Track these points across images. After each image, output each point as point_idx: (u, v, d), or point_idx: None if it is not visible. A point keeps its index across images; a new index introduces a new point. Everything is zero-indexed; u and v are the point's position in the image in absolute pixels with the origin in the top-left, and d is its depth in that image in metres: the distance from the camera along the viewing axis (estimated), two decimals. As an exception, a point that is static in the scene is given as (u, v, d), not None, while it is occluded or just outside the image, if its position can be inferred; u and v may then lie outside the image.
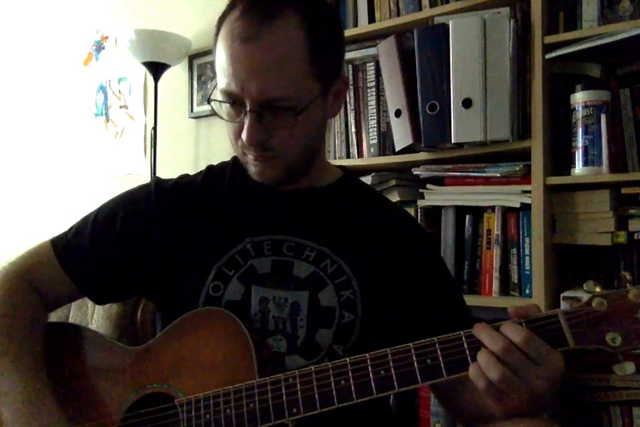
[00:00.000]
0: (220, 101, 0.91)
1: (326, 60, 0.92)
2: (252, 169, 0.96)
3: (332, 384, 0.79)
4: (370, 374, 0.78)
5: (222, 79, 0.89)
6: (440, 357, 0.76)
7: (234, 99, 0.89)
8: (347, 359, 0.80)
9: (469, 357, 0.76)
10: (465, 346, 0.76)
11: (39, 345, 0.97)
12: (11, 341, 0.95)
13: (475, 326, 0.77)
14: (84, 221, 1.06)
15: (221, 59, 0.89)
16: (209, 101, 0.93)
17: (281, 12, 0.87)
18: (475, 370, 0.75)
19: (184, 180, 1.07)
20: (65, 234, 1.06)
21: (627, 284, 0.75)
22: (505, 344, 0.74)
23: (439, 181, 1.83)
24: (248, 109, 0.88)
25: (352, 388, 0.78)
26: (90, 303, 1.77)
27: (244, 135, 0.89)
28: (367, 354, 0.79)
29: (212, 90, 0.93)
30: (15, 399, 0.89)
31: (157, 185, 1.05)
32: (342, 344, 0.95)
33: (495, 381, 0.74)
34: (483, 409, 0.87)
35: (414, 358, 0.77)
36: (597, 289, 0.76)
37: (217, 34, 0.91)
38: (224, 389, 0.84)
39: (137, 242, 1.01)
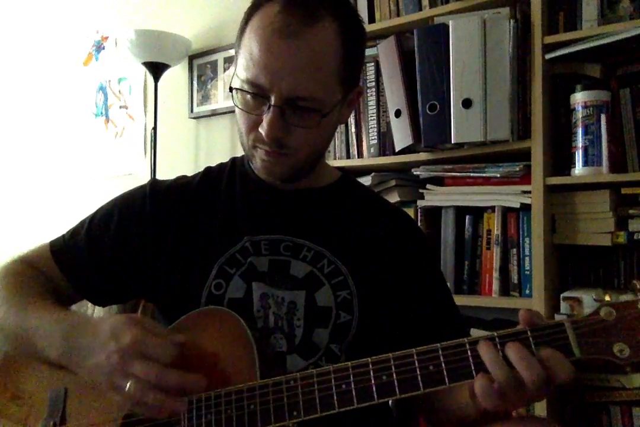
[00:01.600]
0: (242, 90, 0.90)
1: (352, 69, 0.94)
2: (259, 163, 0.95)
3: (333, 388, 0.78)
4: (372, 379, 0.77)
5: (250, 69, 0.87)
6: (443, 364, 0.75)
7: (258, 91, 0.88)
8: (349, 363, 0.79)
9: (472, 365, 0.74)
10: (469, 353, 0.75)
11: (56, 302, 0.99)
12: (30, 296, 0.96)
13: (480, 346, 0.74)
14: (81, 224, 1.06)
15: (252, 49, 0.87)
16: (230, 89, 0.92)
17: (322, 16, 0.87)
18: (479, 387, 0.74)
19: (181, 181, 1.07)
20: (63, 236, 1.06)
21: (637, 293, 0.72)
22: (506, 377, 0.72)
23: (439, 181, 1.83)
24: (273, 103, 0.87)
25: (353, 393, 0.77)
26: (90, 303, 1.76)
27: (263, 129, 0.88)
28: (369, 359, 0.78)
29: (232, 78, 0.92)
30: (47, 329, 0.89)
31: (153, 187, 1.05)
32: (339, 343, 0.95)
33: (488, 406, 0.74)
34: (460, 413, 0.88)
35: (417, 364, 0.76)
36: (607, 298, 0.73)
37: (245, 23, 0.90)
38: (226, 389, 0.84)
39: (133, 244, 1.01)
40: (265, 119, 0.88)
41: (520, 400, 0.73)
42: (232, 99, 0.92)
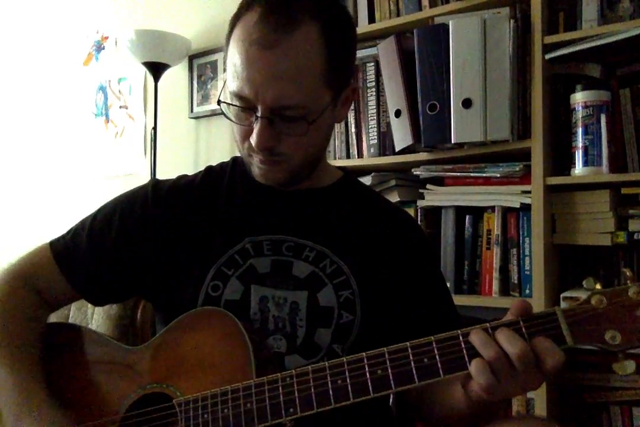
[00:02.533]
0: (230, 104, 0.90)
1: (340, 69, 0.92)
2: (257, 170, 0.96)
3: (329, 383, 0.79)
4: (367, 374, 0.77)
5: (235, 81, 0.88)
6: (437, 357, 0.76)
7: (245, 103, 0.88)
8: (344, 358, 0.80)
9: (466, 357, 0.75)
10: (463, 345, 0.76)
11: (37, 344, 0.98)
12: (7, 339, 0.96)
13: (472, 332, 0.76)
14: (82, 223, 1.06)
15: (235, 61, 0.87)
16: (218, 102, 0.92)
17: (301, 21, 0.86)
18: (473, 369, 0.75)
19: (182, 181, 1.07)
20: (63, 236, 1.06)
21: (628, 281, 0.74)
22: (495, 354, 0.73)
23: (439, 181, 1.83)
24: (260, 114, 0.87)
25: (349, 388, 0.78)
26: (90, 304, 1.76)
27: (253, 140, 0.89)
28: (364, 353, 0.79)
29: (221, 91, 0.92)
30: (8, 396, 0.91)
31: (154, 187, 1.05)
32: (341, 343, 0.95)
33: (482, 387, 0.74)
34: (453, 405, 0.88)
35: (411, 357, 0.77)
36: (597, 287, 0.75)
37: (230, 33, 0.90)
38: (222, 388, 0.84)
39: (134, 244, 1.01)
40: (255, 130, 0.88)
41: (513, 382, 0.74)
42: (222, 111, 0.93)
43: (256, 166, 0.95)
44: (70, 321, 1.69)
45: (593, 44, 1.54)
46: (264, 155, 0.91)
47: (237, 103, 0.89)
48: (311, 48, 0.87)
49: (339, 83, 0.93)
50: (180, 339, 0.93)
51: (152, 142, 2.53)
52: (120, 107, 2.88)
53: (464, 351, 0.75)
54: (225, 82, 0.91)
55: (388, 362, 0.77)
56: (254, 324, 0.95)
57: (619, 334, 0.72)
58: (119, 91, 2.89)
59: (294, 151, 0.92)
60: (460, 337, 0.76)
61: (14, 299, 1.00)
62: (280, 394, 0.80)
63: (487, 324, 0.76)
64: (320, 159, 1.01)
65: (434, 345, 0.76)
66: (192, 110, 2.62)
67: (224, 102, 0.91)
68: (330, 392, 0.78)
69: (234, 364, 0.86)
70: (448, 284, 1.10)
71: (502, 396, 0.77)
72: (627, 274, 0.74)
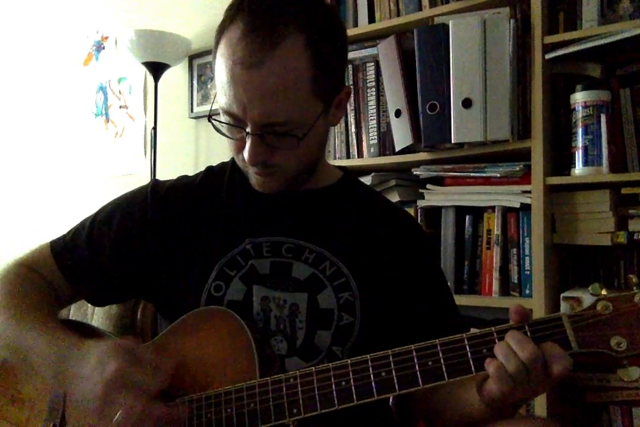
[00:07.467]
0: (220, 122, 0.90)
1: (330, 77, 0.91)
2: (254, 180, 0.96)
3: (333, 385, 0.79)
4: (371, 376, 0.77)
5: (223, 98, 0.87)
6: (442, 360, 0.76)
7: (235, 119, 0.88)
8: (348, 360, 0.80)
9: (470, 361, 0.75)
10: (467, 349, 0.76)
11: (55, 313, 1.00)
12: (28, 308, 0.96)
13: (496, 346, 0.75)
14: (82, 224, 1.06)
15: (222, 78, 0.87)
16: (209, 119, 0.92)
17: (285, 34, 0.83)
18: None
19: (182, 182, 1.07)
20: (64, 236, 1.07)
21: (634, 287, 0.73)
22: (517, 365, 0.73)
23: (439, 181, 1.83)
24: (250, 131, 0.87)
25: (353, 389, 0.78)
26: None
27: (245, 155, 0.89)
28: (368, 355, 0.79)
29: (212, 104, 0.92)
30: (43, 353, 0.90)
31: (154, 188, 1.05)
32: (341, 345, 0.95)
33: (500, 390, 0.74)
34: (466, 410, 0.88)
35: (415, 360, 0.77)
36: (603, 292, 0.75)
37: (216, 45, 0.88)
38: (225, 388, 0.84)
39: (134, 247, 1.01)
40: (246, 145, 0.88)
41: (525, 386, 0.74)
42: (213, 126, 0.92)
43: (253, 176, 0.95)
44: (71, 321, 1.69)
45: (593, 44, 1.54)
46: (258, 168, 0.92)
47: (228, 119, 0.89)
48: (297, 62, 0.85)
49: (330, 92, 0.92)
50: (183, 338, 0.93)
51: (152, 142, 2.54)
52: (120, 107, 2.88)
53: (469, 355, 0.75)
54: (215, 94, 0.91)
55: (392, 364, 0.77)
56: (257, 324, 0.95)
57: (625, 340, 0.72)
58: (119, 91, 2.89)
59: (288, 162, 0.92)
60: (466, 341, 0.76)
61: (25, 280, 1.01)
62: (284, 395, 0.80)
63: (492, 328, 0.76)
64: (317, 163, 1.01)
65: (439, 348, 0.76)
66: (192, 110, 2.62)
67: (215, 120, 0.91)
68: (334, 393, 0.78)
69: (237, 363, 0.86)
70: (448, 284, 1.10)
71: (518, 395, 0.76)
72: (633, 280, 0.74)
